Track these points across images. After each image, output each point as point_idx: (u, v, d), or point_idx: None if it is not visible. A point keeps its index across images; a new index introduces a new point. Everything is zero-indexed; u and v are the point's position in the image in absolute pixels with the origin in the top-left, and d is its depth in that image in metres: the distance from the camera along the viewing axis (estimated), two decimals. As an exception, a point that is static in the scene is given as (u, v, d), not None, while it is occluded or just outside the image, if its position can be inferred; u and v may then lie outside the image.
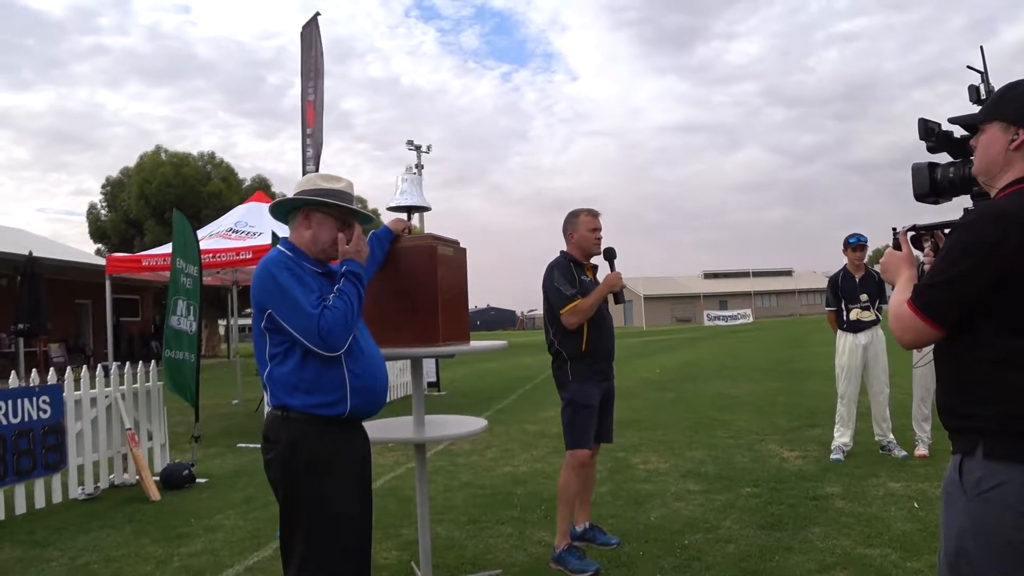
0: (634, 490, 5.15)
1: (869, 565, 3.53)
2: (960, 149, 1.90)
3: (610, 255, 3.96)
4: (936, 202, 1.95)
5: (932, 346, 1.74)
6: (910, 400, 6.04)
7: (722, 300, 75.50)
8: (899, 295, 1.74)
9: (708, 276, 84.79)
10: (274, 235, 6.32)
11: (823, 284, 9.38)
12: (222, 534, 4.48)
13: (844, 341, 6.05)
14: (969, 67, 1.98)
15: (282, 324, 2.18)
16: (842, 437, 5.94)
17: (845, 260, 6.13)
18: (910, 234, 1.95)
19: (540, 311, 4.29)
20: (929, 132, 1.92)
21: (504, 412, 9.65)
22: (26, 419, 5.04)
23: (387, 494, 5.27)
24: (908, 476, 5.18)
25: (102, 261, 16.01)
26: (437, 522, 4.47)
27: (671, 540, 4.02)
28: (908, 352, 3.11)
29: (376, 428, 3.21)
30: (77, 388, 5.53)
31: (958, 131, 1.90)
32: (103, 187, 29.24)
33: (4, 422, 4.89)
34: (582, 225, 3.91)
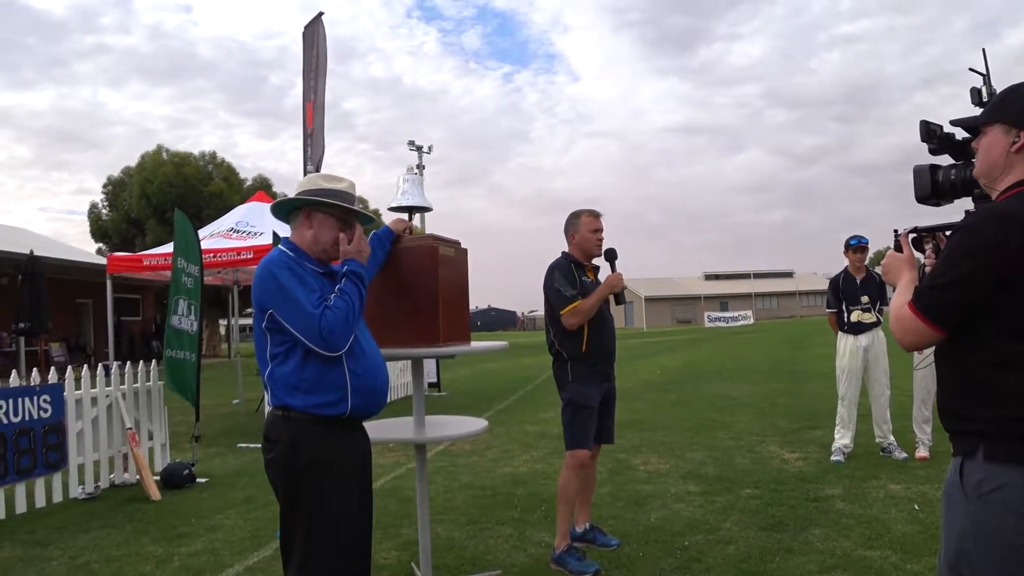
0: (634, 491, 5.15)
1: (869, 567, 3.53)
2: (962, 151, 1.90)
3: (611, 256, 3.96)
4: (938, 204, 1.96)
5: (933, 348, 1.74)
6: (911, 402, 6.04)
7: (723, 301, 75.48)
8: (900, 297, 1.74)
9: (709, 277, 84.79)
10: (275, 235, 6.32)
11: (824, 286, 9.36)
12: (222, 534, 4.48)
13: (845, 343, 6.05)
14: (971, 70, 1.98)
15: (283, 324, 2.18)
16: (843, 439, 5.94)
17: (846, 262, 6.13)
18: (911, 236, 1.95)
19: (541, 312, 4.29)
20: (931, 134, 1.92)
21: (504, 413, 9.64)
22: (27, 418, 5.05)
23: (387, 494, 5.27)
24: (909, 478, 5.18)
25: (103, 260, 16.01)
26: (437, 522, 4.47)
27: (671, 541, 4.02)
28: (909, 354, 3.11)
29: (377, 428, 3.21)
30: (78, 387, 5.53)
31: (960, 133, 1.90)
32: (104, 186, 29.29)
33: (5, 421, 4.89)
34: (583, 226, 3.91)
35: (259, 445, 2.41)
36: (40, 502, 5.16)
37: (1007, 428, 1.55)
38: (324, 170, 6.88)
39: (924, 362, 5.17)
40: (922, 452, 5.79)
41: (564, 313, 3.73)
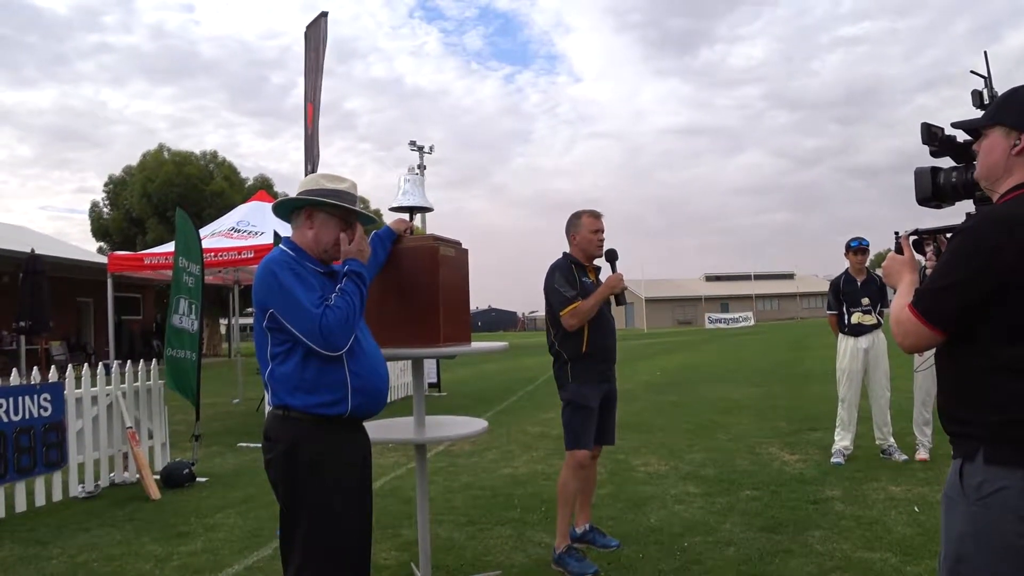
0: (634, 492, 5.15)
1: (869, 569, 3.53)
2: (963, 154, 1.90)
3: (611, 257, 3.96)
4: (939, 206, 1.96)
5: (933, 350, 1.74)
6: (911, 404, 6.04)
7: (723, 303, 75.47)
8: (901, 299, 1.74)
9: (710, 279, 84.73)
10: (276, 234, 6.32)
11: (825, 287, 9.36)
12: (222, 533, 4.48)
13: (845, 345, 6.05)
14: (973, 72, 1.98)
15: (284, 323, 2.18)
16: (843, 441, 5.94)
17: (847, 264, 6.13)
18: (912, 238, 1.95)
19: (541, 312, 4.29)
20: (932, 137, 1.93)
21: (505, 413, 9.64)
22: (27, 417, 5.05)
23: (387, 494, 5.27)
24: (909, 480, 5.17)
25: (104, 259, 16.02)
26: (437, 523, 4.47)
27: (671, 543, 4.02)
28: (909, 356, 3.11)
29: (377, 428, 3.21)
30: (78, 386, 5.53)
31: (961, 136, 1.90)
32: (106, 185, 29.25)
33: (5, 419, 4.90)
34: (584, 227, 3.91)
35: (259, 445, 2.41)
36: (40, 501, 5.16)
37: (1007, 431, 1.55)
38: (324, 170, 6.87)
39: (924, 364, 5.17)
40: (922, 454, 5.79)
41: (564, 314, 3.73)
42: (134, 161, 28.54)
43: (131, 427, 5.83)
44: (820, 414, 7.97)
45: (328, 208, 2.36)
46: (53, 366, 5.79)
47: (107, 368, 5.94)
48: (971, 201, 1.89)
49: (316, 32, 6.46)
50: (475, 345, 3.26)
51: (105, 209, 29.12)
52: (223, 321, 29.90)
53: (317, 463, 2.22)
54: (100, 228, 29.01)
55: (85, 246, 28.60)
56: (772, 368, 15.49)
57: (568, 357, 3.81)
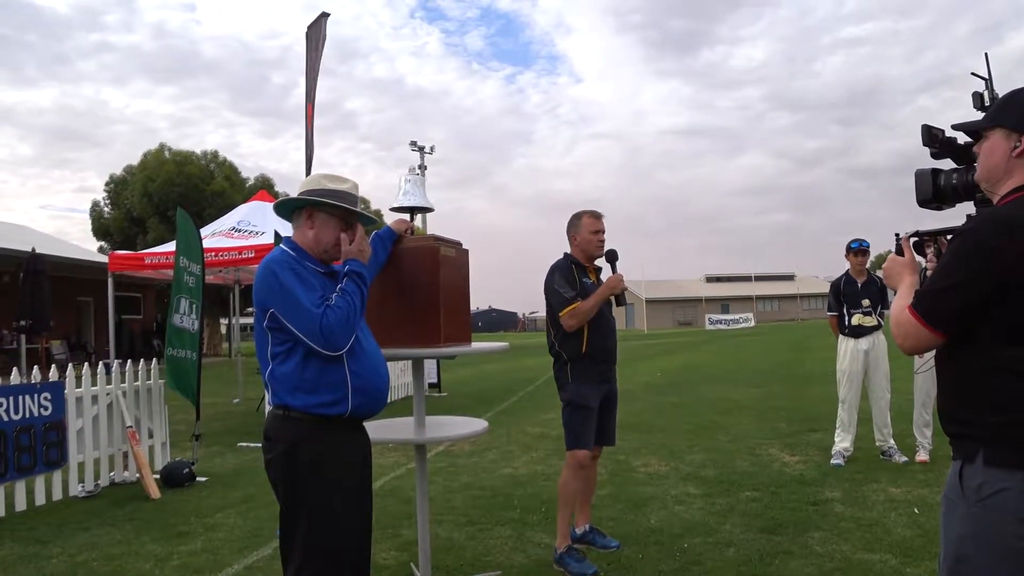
0: (634, 493, 5.15)
1: (869, 570, 3.53)
2: (964, 155, 1.90)
3: (612, 257, 3.96)
4: (939, 208, 1.96)
5: (933, 352, 1.75)
6: (911, 406, 6.04)
7: (724, 304, 75.45)
8: (901, 301, 1.74)
9: (710, 280, 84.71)
10: (276, 234, 6.33)
11: (825, 289, 9.37)
12: (222, 533, 4.48)
13: (846, 346, 6.05)
14: (974, 74, 1.98)
15: (284, 323, 2.18)
16: (843, 442, 5.94)
17: (847, 265, 6.13)
18: (913, 240, 1.95)
19: (542, 313, 4.30)
20: (933, 138, 1.93)
21: (505, 414, 9.65)
22: (27, 416, 5.05)
23: (387, 494, 5.27)
24: (908, 482, 5.17)
25: (104, 259, 16.02)
26: (437, 523, 4.47)
27: (671, 543, 4.02)
28: (909, 358, 3.11)
29: (377, 429, 3.21)
30: (78, 385, 5.54)
31: (962, 138, 1.90)
32: (106, 184, 29.26)
33: (5, 418, 4.90)
34: (584, 227, 3.91)
35: (259, 444, 2.41)
36: (40, 500, 5.17)
37: (1007, 432, 1.55)
38: (324, 170, 6.89)
39: (925, 366, 5.18)
40: (922, 456, 5.79)
41: (563, 314, 3.73)
42: (135, 160, 28.56)
43: (131, 426, 5.83)
44: (820, 415, 7.97)
45: (329, 208, 2.37)
46: (53, 365, 5.79)
47: (107, 367, 5.94)
48: (972, 203, 1.89)
49: (316, 33, 6.47)
50: (475, 345, 3.26)
51: (106, 208, 29.13)
52: (223, 321, 29.90)
53: (317, 463, 2.22)
54: (101, 227, 29.02)
55: (86, 245, 28.64)
56: (772, 369, 15.49)
57: (568, 357, 3.81)
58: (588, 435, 3.76)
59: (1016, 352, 1.55)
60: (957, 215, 1.92)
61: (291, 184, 31.52)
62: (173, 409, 7.07)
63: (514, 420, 8.93)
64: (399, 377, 11.40)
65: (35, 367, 5.54)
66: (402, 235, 3.02)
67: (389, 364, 3.36)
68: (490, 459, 6.54)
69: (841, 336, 6.11)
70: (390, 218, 3.26)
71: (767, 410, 9.09)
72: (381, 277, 2.91)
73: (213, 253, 8.77)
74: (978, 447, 1.59)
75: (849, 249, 6.08)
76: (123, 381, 5.98)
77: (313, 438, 2.23)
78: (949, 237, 1.83)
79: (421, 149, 31.16)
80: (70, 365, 5.67)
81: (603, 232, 3.93)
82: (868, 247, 6.09)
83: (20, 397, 5.03)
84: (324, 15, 6.54)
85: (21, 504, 5.03)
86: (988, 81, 1.97)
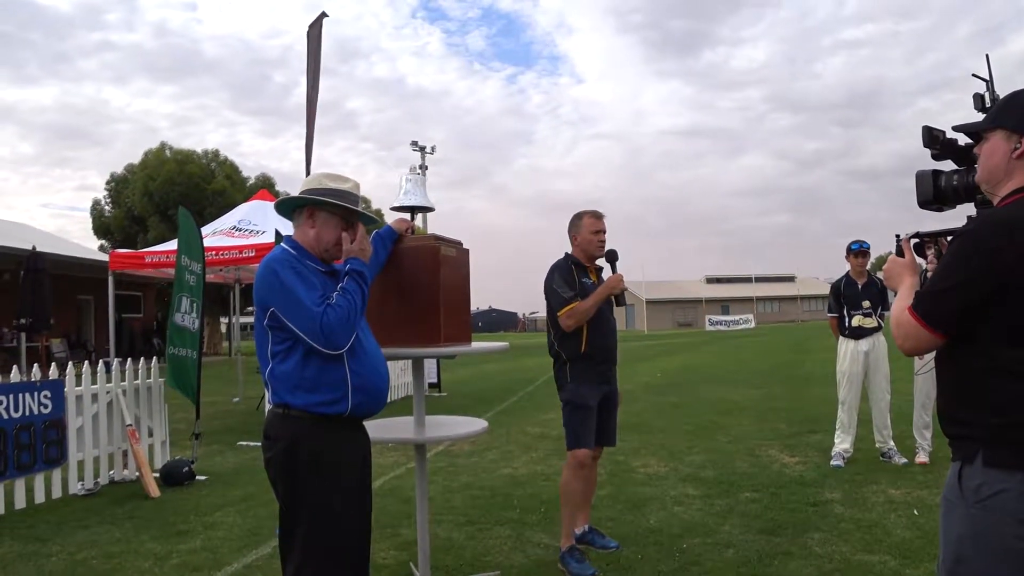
0: (633, 494, 5.15)
1: (868, 571, 3.53)
2: (964, 157, 1.90)
3: (612, 257, 3.96)
4: (940, 209, 1.96)
5: (934, 353, 1.75)
6: (911, 407, 6.04)
7: (724, 305, 75.40)
8: (901, 302, 1.74)
9: (710, 281, 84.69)
10: (277, 233, 6.32)
11: (825, 290, 9.36)
12: (221, 531, 4.48)
13: (846, 347, 6.05)
14: (975, 75, 1.98)
15: (285, 322, 2.19)
16: (842, 443, 5.94)
17: (848, 266, 6.13)
18: (913, 241, 1.95)
19: (542, 313, 4.30)
20: (933, 140, 1.93)
21: (505, 414, 9.65)
22: (27, 414, 5.05)
23: (387, 494, 5.28)
24: (908, 483, 5.17)
25: (105, 257, 16.02)
26: (436, 523, 4.47)
27: (670, 544, 4.02)
28: (909, 359, 3.11)
29: (377, 428, 3.21)
30: (78, 384, 5.54)
31: (962, 139, 1.90)
32: (107, 183, 29.29)
33: (5, 416, 4.90)
34: (585, 227, 3.91)
35: (259, 443, 2.41)
36: (40, 498, 5.17)
37: (1007, 433, 1.55)
38: (323, 168, 6.88)
39: (925, 367, 5.18)
40: (922, 457, 5.79)
41: (561, 314, 3.73)
42: (136, 159, 28.60)
43: (131, 425, 5.83)
44: (820, 416, 7.97)
45: (330, 207, 2.37)
46: (53, 363, 5.80)
47: (107, 366, 5.94)
48: (972, 204, 1.89)
49: (316, 32, 6.47)
50: (475, 345, 3.26)
51: (107, 207, 29.16)
52: (224, 320, 29.91)
53: (317, 462, 2.22)
54: (101, 226, 29.04)
55: (86, 244, 28.63)
56: (772, 370, 15.49)
57: (567, 357, 3.81)
58: (588, 434, 3.76)
59: (1016, 353, 1.55)
60: (958, 216, 1.92)
61: (292, 183, 31.55)
62: (173, 408, 7.07)
63: (514, 420, 8.93)
64: (399, 377, 11.41)
65: (35, 365, 5.54)
66: (403, 234, 3.02)
67: (389, 364, 3.36)
68: (490, 459, 6.55)
69: (841, 337, 6.11)
70: (391, 217, 3.26)
71: (767, 411, 9.09)
72: (381, 276, 2.91)
73: (214, 252, 8.77)
74: (977, 448, 1.59)
75: (849, 250, 6.08)
76: (123, 379, 5.98)
77: (313, 437, 2.23)
78: (949, 238, 1.83)
79: (422, 149, 31.13)
80: (70, 363, 5.67)
81: (604, 232, 3.94)
82: (868, 248, 6.09)
83: (20, 395, 5.03)
84: (323, 15, 6.54)
85: (21, 502, 5.03)
86: (989, 83, 1.97)
